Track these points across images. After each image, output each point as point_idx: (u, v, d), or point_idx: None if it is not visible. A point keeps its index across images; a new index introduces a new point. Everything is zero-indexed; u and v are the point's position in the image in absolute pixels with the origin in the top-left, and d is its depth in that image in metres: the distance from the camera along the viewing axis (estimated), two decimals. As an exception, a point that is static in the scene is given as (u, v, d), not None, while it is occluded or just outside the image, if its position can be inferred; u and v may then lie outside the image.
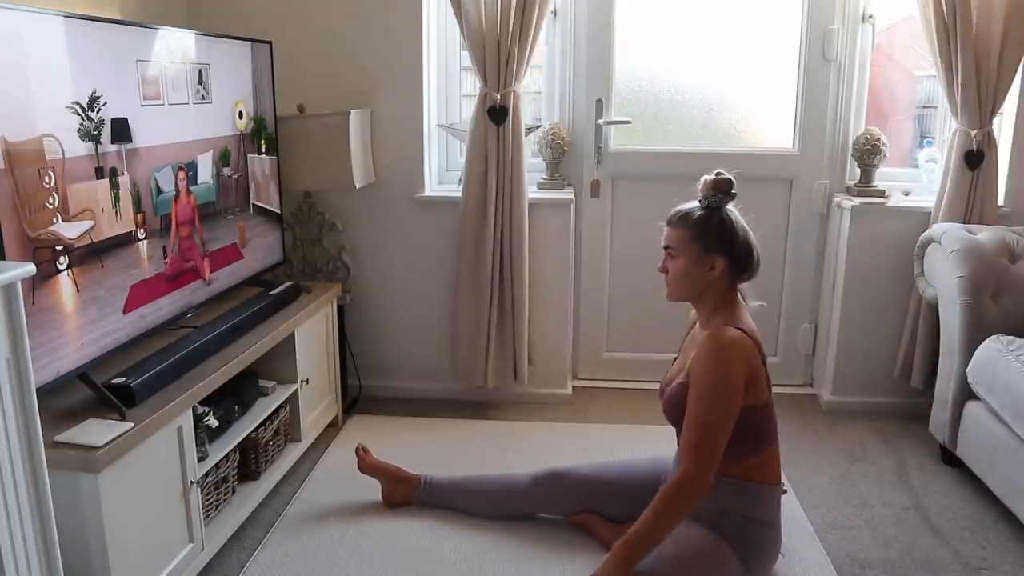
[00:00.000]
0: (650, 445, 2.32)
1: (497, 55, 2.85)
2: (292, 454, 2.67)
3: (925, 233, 2.89)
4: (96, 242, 1.91)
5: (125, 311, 2.02)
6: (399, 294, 3.27)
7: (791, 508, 2.46)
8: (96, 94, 1.88)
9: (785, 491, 2.16)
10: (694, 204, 2.02)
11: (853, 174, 3.19)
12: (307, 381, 2.73)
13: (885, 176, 3.19)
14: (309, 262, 3.19)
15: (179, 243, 2.26)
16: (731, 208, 2.03)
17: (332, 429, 3.02)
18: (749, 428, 1.93)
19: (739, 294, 2.05)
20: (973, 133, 2.85)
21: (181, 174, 2.26)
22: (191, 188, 2.31)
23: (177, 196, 2.25)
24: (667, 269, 2.05)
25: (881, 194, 3.09)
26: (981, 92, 2.81)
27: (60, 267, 1.79)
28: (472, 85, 3.14)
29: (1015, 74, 2.83)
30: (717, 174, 2.03)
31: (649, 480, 2.17)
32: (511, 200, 2.97)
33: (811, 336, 3.38)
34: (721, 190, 2.01)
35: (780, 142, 3.26)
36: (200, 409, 2.16)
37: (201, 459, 2.13)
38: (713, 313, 2.01)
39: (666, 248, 2.04)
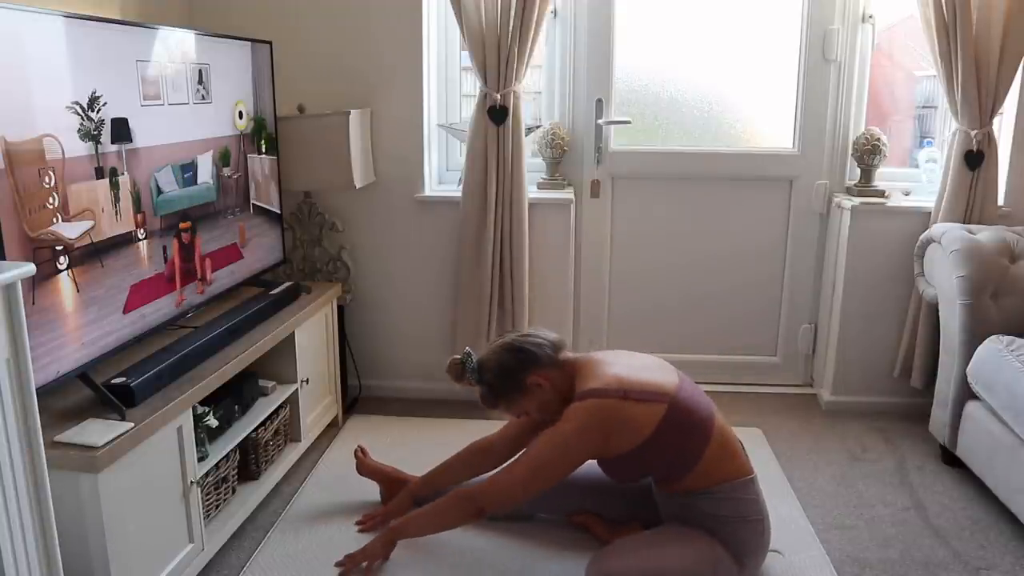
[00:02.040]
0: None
1: (497, 55, 2.85)
2: (292, 454, 2.67)
3: (925, 233, 2.89)
4: (96, 242, 1.91)
5: (125, 311, 2.02)
6: (399, 294, 3.27)
7: (791, 508, 2.46)
8: (96, 94, 1.88)
9: (780, 554, 2.17)
10: (476, 389, 2.12)
11: (853, 174, 3.19)
12: (307, 381, 2.73)
13: (885, 176, 3.19)
14: (309, 262, 3.19)
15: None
16: (482, 354, 2.12)
17: (332, 429, 3.02)
18: (660, 457, 1.96)
19: (591, 361, 2.07)
20: (973, 133, 2.85)
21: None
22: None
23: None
24: (529, 417, 2.14)
25: (881, 194, 3.09)
26: (981, 92, 2.81)
27: (60, 267, 1.79)
28: (472, 85, 3.14)
29: (1015, 74, 2.83)
30: (448, 364, 2.14)
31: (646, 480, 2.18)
32: (511, 200, 2.97)
33: (811, 336, 3.38)
34: (461, 371, 2.12)
35: (780, 142, 3.26)
36: (200, 409, 2.16)
37: (201, 459, 2.13)
38: (569, 398, 2.02)
39: (502, 410, 2.14)
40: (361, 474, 2.49)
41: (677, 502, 2.04)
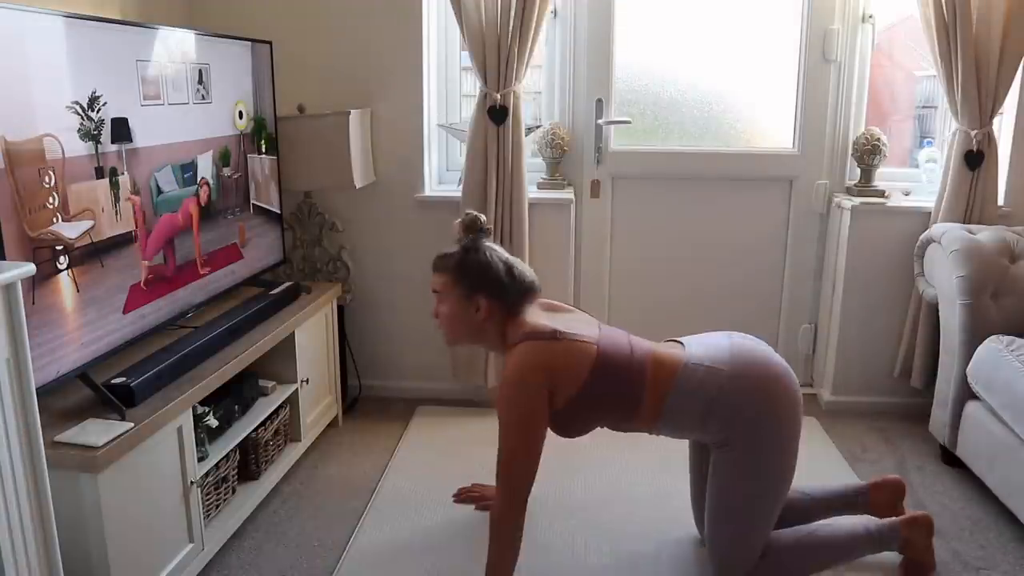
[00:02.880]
0: (651, 442, 2.33)
1: (497, 55, 2.85)
2: (292, 454, 2.67)
3: (925, 233, 2.89)
4: (96, 242, 1.91)
5: (125, 311, 2.02)
6: (399, 294, 3.27)
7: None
8: (96, 94, 1.88)
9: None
10: (453, 248, 2.05)
11: (853, 174, 3.19)
12: (307, 381, 2.73)
13: (885, 176, 3.19)
14: (309, 262, 3.19)
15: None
16: (489, 244, 2.05)
17: (332, 429, 3.02)
18: (607, 395, 1.96)
19: (527, 311, 2.04)
20: (973, 133, 2.85)
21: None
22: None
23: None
24: (437, 313, 2.07)
25: (881, 194, 3.09)
26: (981, 92, 2.81)
27: (60, 267, 1.79)
28: (472, 85, 3.14)
29: (1015, 74, 2.83)
30: (466, 214, 2.07)
31: None
32: (511, 200, 2.97)
33: (811, 336, 3.38)
34: (472, 229, 2.05)
35: (780, 142, 3.26)
36: (200, 409, 2.16)
37: (201, 459, 2.13)
38: (502, 344, 2.02)
39: (434, 292, 2.07)
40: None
41: (668, 428, 2.03)
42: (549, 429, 1.98)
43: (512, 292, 2.01)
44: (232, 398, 2.35)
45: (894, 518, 2.15)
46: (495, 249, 2.05)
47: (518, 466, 1.94)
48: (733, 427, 1.96)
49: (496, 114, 2.90)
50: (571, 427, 2.04)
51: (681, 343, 2.09)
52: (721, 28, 3.19)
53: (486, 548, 1.93)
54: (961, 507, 2.50)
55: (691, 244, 3.31)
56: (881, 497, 2.23)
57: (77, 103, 1.82)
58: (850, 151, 3.15)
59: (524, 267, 2.06)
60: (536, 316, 2.03)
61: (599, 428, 2.08)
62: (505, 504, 1.94)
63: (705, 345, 2.05)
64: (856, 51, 3.12)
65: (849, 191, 3.17)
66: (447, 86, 3.28)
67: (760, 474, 1.99)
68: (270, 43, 2.77)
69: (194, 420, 2.06)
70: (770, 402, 1.97)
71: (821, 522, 2.17)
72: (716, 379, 1.95)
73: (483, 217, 2.07)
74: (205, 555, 2.13)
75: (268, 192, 2.82)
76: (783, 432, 1.99)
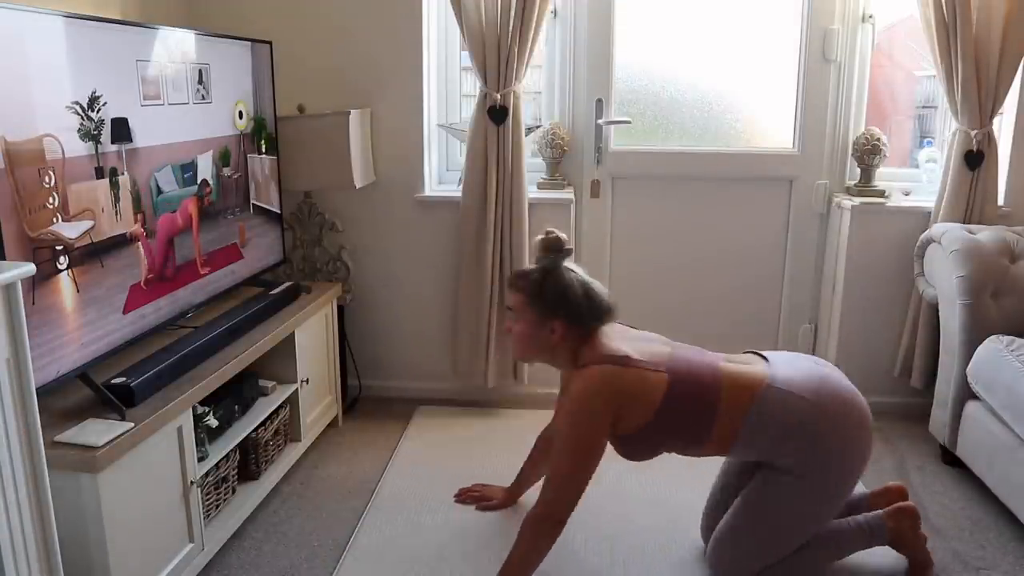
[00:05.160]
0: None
1: (497, 55, 2.85)
2: (292, 454, 2.67)
3: (925, 233, 2.89)
4: (96, 242, 1.91)
5: (125, 311, 2.02)
6: (399, 294, 3.27)
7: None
8: (96, 94, 1.88)
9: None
10: (533, 267, 2.04)
11: (853, 174, 3.19)
12: (307, 381, 2.73)
13: (885, 176, 3.19)
14: (309, 262, 3.19)
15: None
16: (569, 266, 2.04)
17: (332, 429, 3.02)
18: (678, 424, 1.95)
19: (602, 333, 2.03)
20: (973, 133, 2.85)
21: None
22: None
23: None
24: (510, 329, 2.07)
25: (881, 194, 3.09)
26: (981, 92, 2.81)
27: (60, 267, 1.79)
28: (472, 85, 3.14)
29: (1015, 74, 2.83)
30: (547, 233, 2.05)
31: None
32: (511, 200, 2.97)
33: (811, 336, 3.38)
34: (552, 249, 2.03)
35: (780, 142, 3.25)
36: (200, 409, 2.16)
37: (201, 459, 2.13)
38: (573, 364, 2.01)
39: (508, 309, 2.07)
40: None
41: (742, 451, 2.01)
42: (615, 451, 1.99)
43: (589, 317, 2.00)
44: (232, 398, 2.35)
45: (878, 510, 2.14)
46: (574, 271, 2.03)
47: (567, 481, 1.93)
48: (807, 457, 1.94)
49: (496, 114, 2.90)
50: (638, 452, 2.03)
51: (765, 358, 2.06)
52: (721, 28, 3.19)
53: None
54: (961, 507, 2.50)
55: (691, 244, 3.31)
56: (882, 504, 2.19)
57: (77, 103, 1.82)
58: (850, 151, 3.15)
59: (601, 290, 2.04)
60: (609, 338, 2.01)
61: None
62: (544, 511, 1.93)
63: (793, 367, 2.01)
64: (856, 51, 3.12)
65: (849, 191, 3.17)
66: (447, 86, 3.28)
67: (814, 501, 1.97)
68: (270, 43, 2.77)
69: (194, 420, 2.06)
70: (849, 441, 1.95)
71: None
72: (799, 407, 1.93)
73: (564, 236, 2.05)
74: (205, 555, 2.13)
75: (268, 192, 2.82)
76: (853, 470, 1.98)
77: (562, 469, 1.94)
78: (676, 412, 1.94)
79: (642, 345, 2.03)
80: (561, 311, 1.98)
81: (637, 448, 2.02)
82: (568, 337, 2.00)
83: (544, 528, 1.93)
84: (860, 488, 2.27)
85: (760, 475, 2.02)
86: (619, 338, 2.04)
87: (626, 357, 1.95)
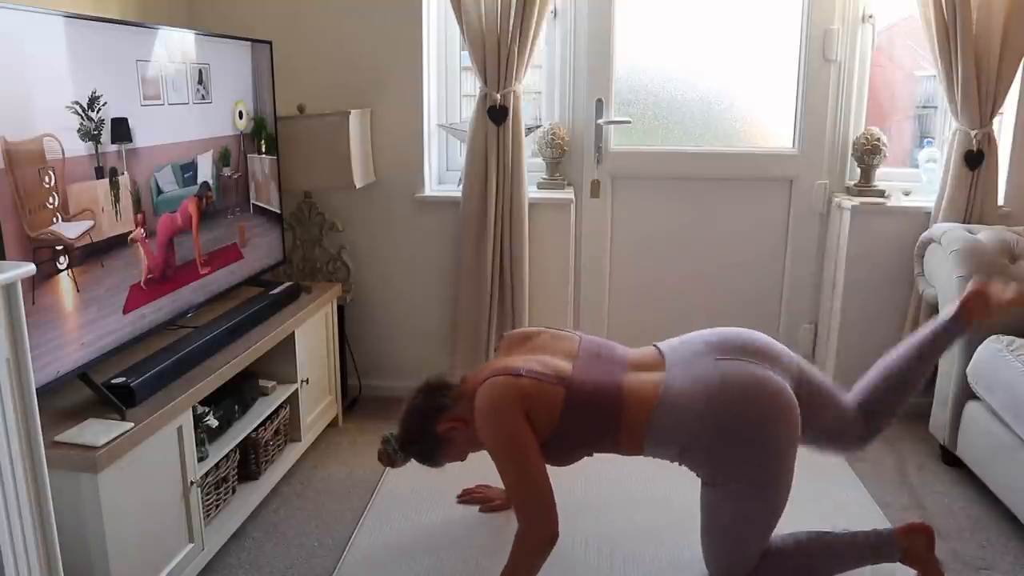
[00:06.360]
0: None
1: (497, 55, 2.85)
2: (292, 454, 2.67)
3: (925, 233, 2.89)
4: (96, 242, 1.90)
5: (125, 311, 2.02)
6: (399, 294, 3.28)
7: (790, 509, 2.45)
8: (96, 94, 1.88)
9: None
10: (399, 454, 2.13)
11: (853, 174, 3.19)
12: (307, 381, 2.73)
13: (885, 176, 3.19)
14: (309, 262, 3.19)
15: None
16: (392, 436, 2.12)
17: (332, 429, 3.02)
18: (584, 432, 1.95)
19: (472, 375, 2.06)
20: (973, 133, 2.85)
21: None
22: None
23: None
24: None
25: (881, 194, 3.09)
26: (981, 92, 2.81)
27: (60, 267, 1.79)
28: (472, 85, 3.14)
29: (1015, 74, 2.83)
30: (377, 451, 2.15)
31: None
32: (511, 200, 2.97)
33: (811, 336, 3.38)
34: (390, 457, 2.13)
35: (780, 142, 3.26)
36: (200, 409, 2.16)
37: (201, 459, 2.13)
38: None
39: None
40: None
41: (658, 457, 2.01)
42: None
43: (429, 397, 2.04)
44: (232, 398, 2.35)
45: (891, 526, 2.12)
46: (399, 423, 2.10)
47: (522, 491, 1.91)
48: (713, 468, 1.93)
49: (496, 114, 2.90)
50: (560, 458, 2.01)
51: (664, 354, 2.03)
52: (721, 28, 3.19)
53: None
54: (961, 507, 2.50)
55: (691, 244, 3.31)
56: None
57: (77, 103, 1.82)
58: (850, 151, 3.16)
59: (419, 388, 2.08)
60: (497, 360, 2.03)
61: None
62: (526, 528, 1.91)
63: (690, 370, 1.95)
64: (856, 51, 3.12)
65: (849, 191, 3.17)
66: (447, 86, 3.28)
67: (755, 496, 1.94)
68: (270, 43, 2.77)
69: (194, 420, 2.06)
70: (760, 427, 1.88)
71: (822, 529, 2.14)
72: (691, 425, 1.89)
73: (380, 446, 2.13)
74: (205, 555, 2.13)
75: (268, 192, 2.82)
76: (774, 463, 1.90)
77: (512, 484, 1.93)
78: (578, 422, 1.93)
79: (543, 354, 2.02)
80: (427, 428, 2.03)
81: (556, 455, 1.99)
82: (460, 413, 2.01)
83: (532, 545, 1.91)
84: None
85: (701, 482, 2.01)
86: (516, 353, 2.05)
87: (516, 369, 1.94)
